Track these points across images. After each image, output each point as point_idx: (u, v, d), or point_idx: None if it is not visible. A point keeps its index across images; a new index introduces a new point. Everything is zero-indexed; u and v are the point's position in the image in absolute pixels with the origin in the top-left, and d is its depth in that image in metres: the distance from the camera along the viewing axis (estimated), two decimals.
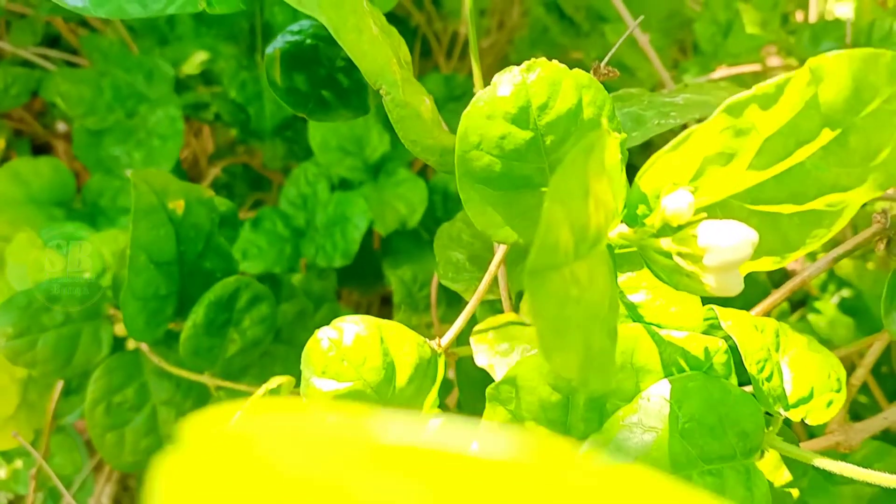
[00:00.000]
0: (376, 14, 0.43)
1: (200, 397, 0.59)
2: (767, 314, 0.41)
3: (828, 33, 0.74)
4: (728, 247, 0.26)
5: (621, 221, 0.30)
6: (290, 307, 0.63)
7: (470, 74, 1.24)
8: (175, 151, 0.88)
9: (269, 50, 0.45)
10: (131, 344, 0.59)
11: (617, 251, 0.35)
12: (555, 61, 0.32)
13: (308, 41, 0.47)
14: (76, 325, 0.58)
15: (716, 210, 0.30)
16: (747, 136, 0.27)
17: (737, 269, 0.27)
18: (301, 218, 0.84)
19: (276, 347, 0.62)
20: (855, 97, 0.27)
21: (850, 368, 0.45)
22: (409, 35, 1.14)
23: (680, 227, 0.28)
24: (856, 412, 0.76)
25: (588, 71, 0.36)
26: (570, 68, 0.33)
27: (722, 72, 0.69)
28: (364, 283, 0.89)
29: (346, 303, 1.04)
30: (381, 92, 0.38)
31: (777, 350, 0.36)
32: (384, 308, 1.06)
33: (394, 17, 1.27)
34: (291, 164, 0.95)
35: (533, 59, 0.32)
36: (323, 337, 0.38)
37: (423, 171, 0.88)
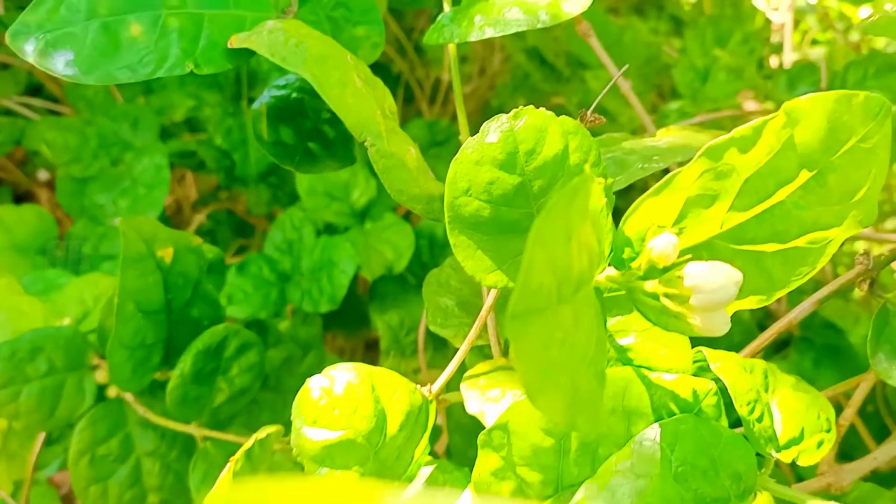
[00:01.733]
0: (360, 67, 0.44)
1: (186, 448, 0.58)
2: (755, 355, 0.42)
3: (803, 77, 0.76)
4: (713, 287, 0.26)
5: (609, 265, 0.31)
6: (277, 353, 0.63)
7: (453, 120, 1.26)
8: (161, 199, 0.88)
9: (255, 105, 0.46)
10: (113, 393, 0.58)
11: (606, 294, 0.35)
12: (542, 108, 0.33)
13: (294, 95, 0.48)
14: (60, 376, 0.57)
15: (701, 251, 0.30)
16: (728, 177, 0.28)
17: (723, 309, 0.27)
18: (287, 263, 0.84)
19: (262, 395, 0.62)
20: (831, 137, 0.28)
21: (837, 409, 0.45)
22: (392, 82, 1.16)
23: (666, 269, 0.28)
24: (844, 452, 0.77)
25: (571, 116, 0.37)
26: (555, 114, 0.34)
27: (701, 117, 0.71)
28: (350, 327, 0.89)
29: (331, 348, 1.03)
30: (365, 144, 0.39)
31: (766, 391, 0.36)
32: (368, 353, 1.05)
33: (376, 65, 1.29)
34: (276, 209, 0.96)
35: (520, 107, 0.33)
36: (314, 385, 0.38)
37: (410, 216, 0.89)
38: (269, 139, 0.47)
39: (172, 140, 0.97)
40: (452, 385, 0.46)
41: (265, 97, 0.48)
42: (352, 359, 1.05)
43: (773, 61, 1.16)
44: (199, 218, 0.98)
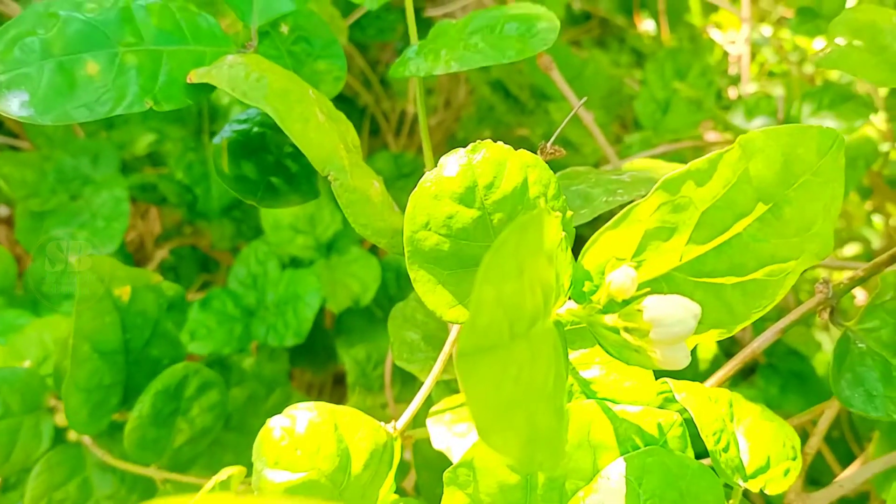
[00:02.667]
0: (322, 101, 0.44)
1: (146, 491, 0.56)
2: (722, 384, 0.42)
3: (760, 108, 0.77)
4: (673, 321, 0.26)
5: (569, 298, 0.31)
6: (240, 392, 0.61)
7: (419, 152, 1.26)
8: (120, 232, 0.86)
9: (216, 140, 0.46)
10: (73, 435, 0.56)
11: (568, 327, 0.35)
12: (500, 142, 0.33)
13: (255, 129, 0.47)
14: (16, 419, 0.55)
15: (660, 284, 0.30)
16: (685, 210, 0.28)
17: (683, 343, 0.27)
18: (251, 297, 0.83)
19: (225, 435, 0.60)
20: (786, 170, 0.28)
21: (804, 435, 0.45)
22: (357, 114, 1.16)
23: (626, 303, 0.28)
24: (812, 477, 0.77)
25: (534, 148, 0.37)
26: (516, 145, 0.34)
27: (663, 147, 0.72)
28: (316, 362, 0.87)
29: (299, 383, 1.02)
30: (329, 178, 0.38)
31: (732, 420, 0.36)
32: (337, 388, 1.04)
33: (342, 98, 1.29)
34: (240, 244, 0.95)
35: (478, 141, 0.33)
36: (275, 426, 0.37)
37: (376, 249, 0.89)
38: (230, 174, 0.46)
39: (134, 174, 0.95)
40: (420, 420, 0.46)
41: (226, 132, 0.48)
42: (320, 394, 1.03)
43: (732, 93, 1.18)
44: (162, 254, 0.97)
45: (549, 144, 0.39)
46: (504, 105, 1.10)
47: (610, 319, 0.28)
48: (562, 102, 0.98)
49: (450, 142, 1.22)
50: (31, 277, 0.88)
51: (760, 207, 0.28)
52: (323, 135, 0.40)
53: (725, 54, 1.23)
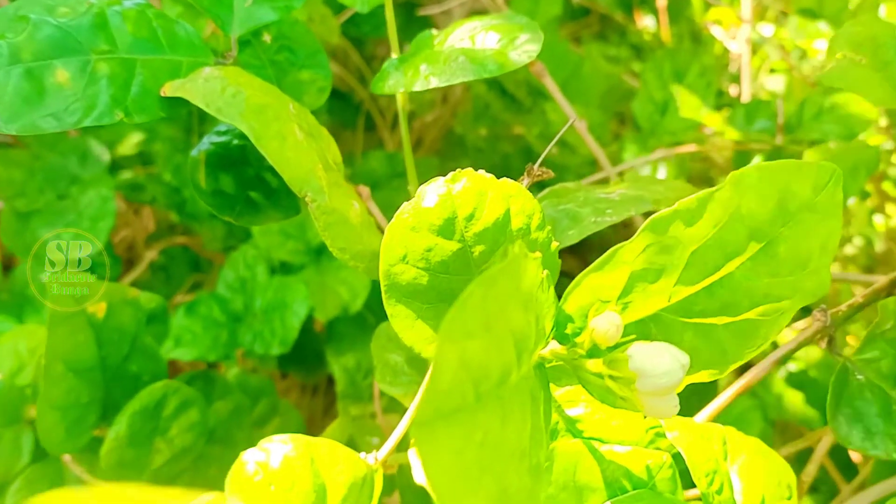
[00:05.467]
0: (303, 115, 0.42)
1: None
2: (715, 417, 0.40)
3: (760, 112, 0.75)
4: (659, 372, 0.25)
5: (553, 338, 0.29)
6: (224, 405, 0.60)
7: (414, 148, 1.24)
8: (105, 232, 0.84)
9: (193, 153, 0.44)
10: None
11: (553, 363, 0.33)
12: (481, 171, 0.31)
13: (235, 141, 0.46)
14: None
15: (648, 324, 0.28)
16: (673, 251, 0.26)
17: (672, 392, 0.26)
18: (239, 302, 0.81)
19: (210, 449, 0.59)
20: (780, 208, 0.26)
21: (802, 460, 0.44)
22: (352, 111, 1.14)
23: (611, 348, 0.26)
24: (810, 486, 0.75)
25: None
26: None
27: (660, 152, 0.70)
28: (306, 367, 0.86)
29: (292, 383, 1.00)
30: (306, 199, 0.37)
31: (725, 458, 0.35)
32: (331, 388, 1.03)
33: (337, 93, 1.27)
34: (233, 244, 0.93)
35: (458, 170, 0.31)
36: (249, 460, 0.36)
37: None
38: (207, 188, 0.45)
39: (123, 173, 0.94)
40: (406, 444, 0.44)
41: (204, 144, 0.46)
42: (314, 394, 1.02)
43: (733, 90, 1.16)
44: (151, 255, 0.95)
45: (535, 166, 0.38)
46: (500, 102, 1.08)
47: (594, 365, 0.27)
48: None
49: (447, 137, 1.20)
50: (16, 281, 0.87)
51: (753, 246, 0.27)
52: (301, 154, 0.38)
53: (726, 50, 1.21)
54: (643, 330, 0.28)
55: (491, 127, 1.14)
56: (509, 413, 0.22)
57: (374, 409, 0.72)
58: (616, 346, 0.26)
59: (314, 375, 0.87)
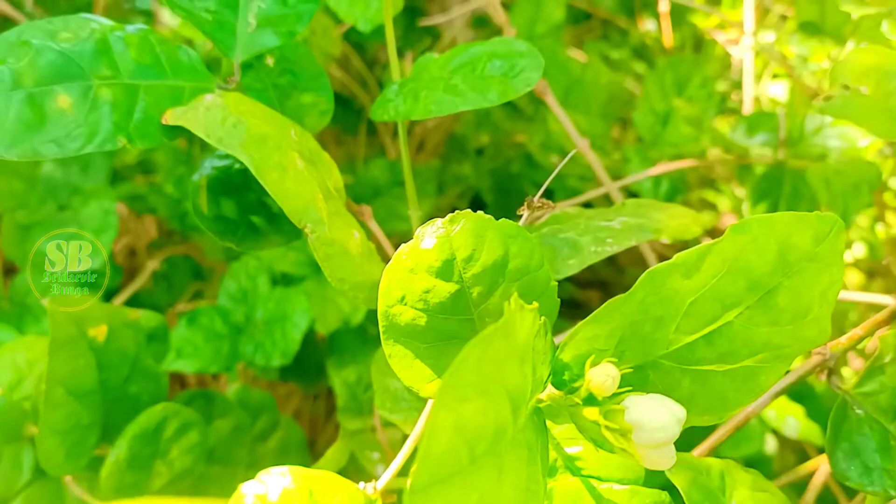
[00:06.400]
0: (305, 140, 0.42)
1: None
2: (712, 451, 0.40)
3: (762, 125, 0.75)
4: (655, 426, 0.25)
5: (550, 382, 0.29)
6: (224, 424, 0.60)
7: (417, 153, 1.24)
8: (107, 246, 0.85)
9: (194, 178, 0.44)
10: None
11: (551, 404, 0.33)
12: (480, 213, 0.31)
13: (237, 165, 0.45)
14: None
15: (646, 370, 0.28)
16: (671, 302, 0.26)
17: (669, 444, 0.26)
18: (240, 313, 0.81)
19: (210, 468, 0.59)
20: (780, 259, 0.26)
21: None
22: (354, 116, 1.14)
23: (607, 399, 0.26)
24: None
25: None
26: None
27: (662, 166, 0.70)
28: (307, 378, 0.86)
29: (294, 387, 1.00)
30: (305, 230, 0.37)
31: (724, 494, 0.35)
32: (333, 391, 1.03)
33: (339, 98, 1.26)
34: (235, 253, 0.93)
35: (457, 212, 0.31)
36: (247, 492, 0.36)
37: None
38: (209, 214, 0.45)
39: (124, 184, 0.94)
40: (406, 467, 0.44)
41: (206, 168, 0.46)
42: (315, 400, 1.02)
43: (736, 96, 1.16)
44: (153, 265, 0.95)
45: (536, 199, 0.38)
46: (502, 111, 1.08)
47: (590, 413, 0.27)
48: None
49: (449, 141, 1.20)
50: (16, 290, 0.87)
51: (753, 296, 0.26)
52: (301, 184, 0.38)
53: (728, 54, 1.20)
54: (640, 376, 0.28)
55: (492, 135, 1.13)
56: (505, 468, 0.22)
57: (374, 422, 0.72)
58: (614, 396, 0.26)
59: (315, 385, 0.87)
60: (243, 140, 0.37)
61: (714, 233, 1.31)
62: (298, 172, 0.38)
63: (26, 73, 0.39)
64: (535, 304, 0.25)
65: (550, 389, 0.29)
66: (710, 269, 0.25)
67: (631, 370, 0.28)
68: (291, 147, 0.40)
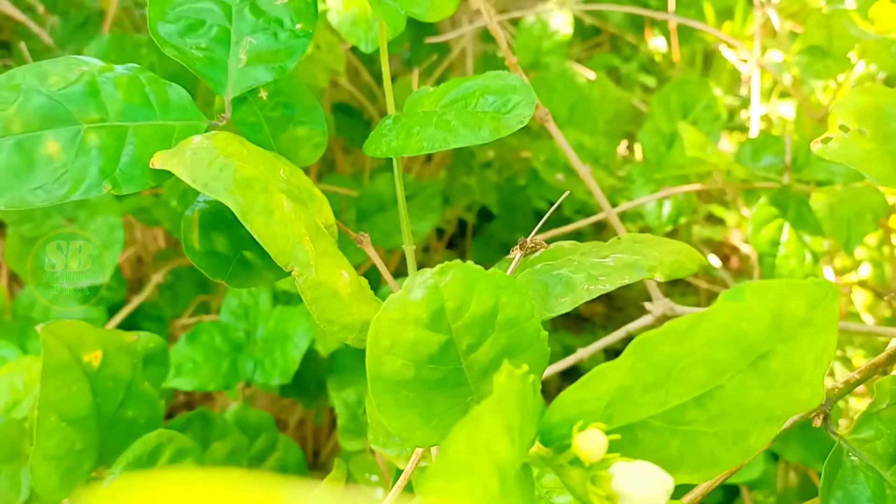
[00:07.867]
0: (295, 177, 0.42)
1: None
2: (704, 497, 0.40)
3: (767, 148, 0.75)
4: (642, 497, 0.24)
5: (538, 440, 0.29)
6: (221, 447, 0.60)
7: (423, 165, 1.24)
8: (113, 259, 0.85)
9: (187, 213, 0.43)
10: None
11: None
12: (469, 262, 0.31)
13: None
14: None
15: (635, 430, 0.28)
16: (661, 368, 0.26)
17: None
18: (241, 330, 0.81)
19: None
20: (773, 326, 0.26)
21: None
22: (362, 127, 1.14)
23: (595, 464, 0.26)
24: None
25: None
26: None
27: (665, 190, 0.69)
28: (307, 395, 0.86)
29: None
30: (293, 274, 0.36)
31: None
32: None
33: (346, 109, 1.26)
34: None
35: (446, 262, 0.30)
36: None
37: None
38: (201, 249, 0.44)
39: (130, 197, 0.94)
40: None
41: (199, 203, 0.46)
42: (318, 411, 1.01)
43: (745, 113, 1.15)
44: (157, 278, 0.95)
45: (529, 239, 0.37)
46: None
47: (577, 475, 0.26)
48: (566, 129, 0.95)
49: (456, 153, 1.20)
50: (21, 304, 0.87)
51: (745, 362, 0.26)
52: (287, 227, 0.37)
53: (737, 70, 1.20)
54: (629, 436, 0.28)
55: (498, 150, 1.13)
56: None
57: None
58: (600, 463, 0.26)
59: (316, 402, 0.87)
60: (229, 185, 0.37)
61: (722, 248, 1.30)
62: (285, 215, 0.38)
63: (15, 119, 0.38)
64: (526, 367, 0.25)
65: (538, 446, 0.28)
66: (701, 336, 0.25)
67: (619, 430, 0.28)
68: (279, 188, 0.39)
